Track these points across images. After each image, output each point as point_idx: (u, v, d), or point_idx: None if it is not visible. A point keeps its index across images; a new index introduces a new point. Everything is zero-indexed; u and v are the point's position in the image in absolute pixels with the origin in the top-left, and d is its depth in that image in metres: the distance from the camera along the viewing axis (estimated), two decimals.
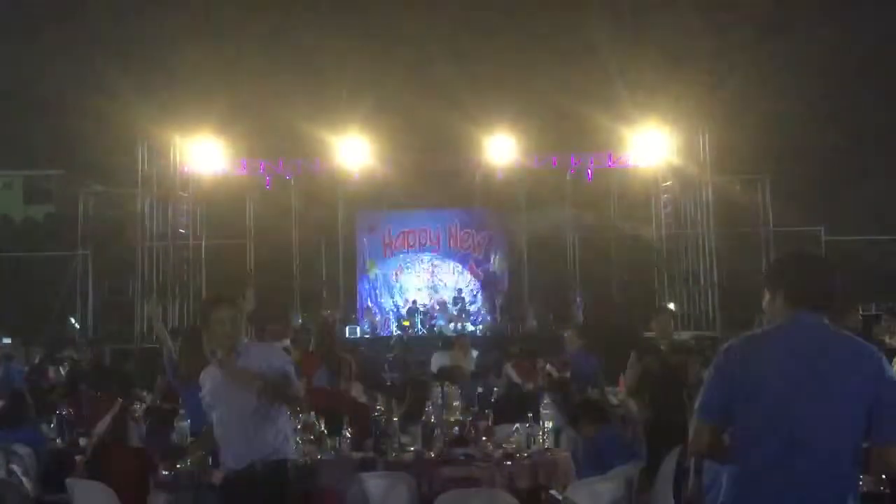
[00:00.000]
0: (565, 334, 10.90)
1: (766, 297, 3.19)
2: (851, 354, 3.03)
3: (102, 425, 6.27)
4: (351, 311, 20.04)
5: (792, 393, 2.91)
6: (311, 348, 8.60)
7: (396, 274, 20.68)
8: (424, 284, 20.59)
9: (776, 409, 2.91)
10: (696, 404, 3.07)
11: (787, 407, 2.90)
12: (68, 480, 5.39)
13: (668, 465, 5.49)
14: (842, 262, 19.72)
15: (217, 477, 4.89)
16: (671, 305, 18.82)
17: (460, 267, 20.66)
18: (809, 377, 2.93)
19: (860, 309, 7.74)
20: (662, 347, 7.52)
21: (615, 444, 5.83)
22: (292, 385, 4.52)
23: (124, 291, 18.54)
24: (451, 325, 18.94)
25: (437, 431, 5.93)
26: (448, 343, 12.98)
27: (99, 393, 8.60)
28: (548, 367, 9.49)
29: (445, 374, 8.29)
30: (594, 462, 5.59)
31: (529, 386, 9.14)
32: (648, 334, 9.13)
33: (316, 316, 17.65)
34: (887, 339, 7.66)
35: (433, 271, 20.68)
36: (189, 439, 5.67)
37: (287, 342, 7.60)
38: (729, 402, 2.97)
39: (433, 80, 24.42)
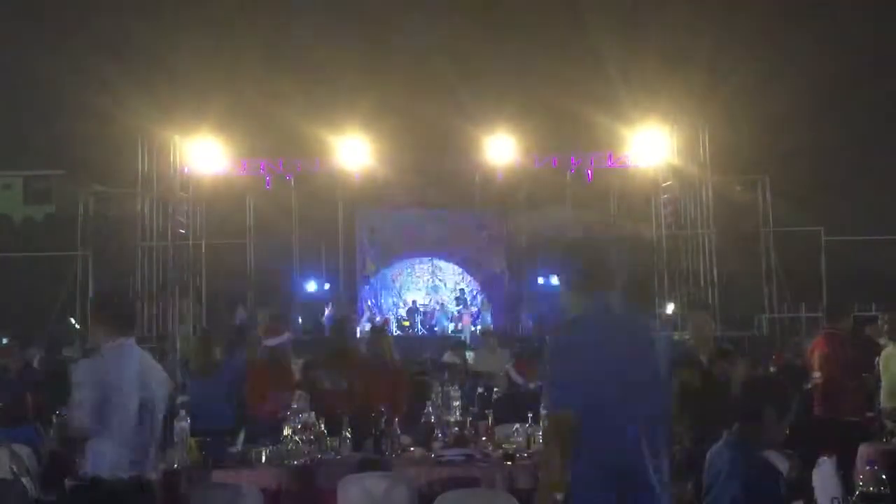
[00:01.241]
0: None
1: (562, 289, 3.34)
2: (646, 333, 3.34)
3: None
4: (351, 312, 20.05)
5: (613, 375, 3.11)
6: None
7: (396, 274, 20.69)
8: (424, 285, 20.60)
9: (605, 391, 3.09)
10: (553, 396, 3.16)
11: (611, 387, 3.09)
12: (68, 481, 5.38)
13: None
14: (841, 262, 19.79)
15: (219, 477, 4.90)
16: (671, 306, 18.84)
17: (460, 267, 20.68)
18: (624, 359, 3.16)
19: (854, 310, 7.69)
20: (702, 356, 5.90)
21: None
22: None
23: (124, 291, 18.53)
24: (452, 325, 18.95)
25: (437, 431, 5.93)
26: (460, 343, 13.10)
27: None
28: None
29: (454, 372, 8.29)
30: None
31: (530, 386, 9.13)
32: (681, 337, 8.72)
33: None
34: (881, 342, 7.63)
35: (433, 272, 20.69)
36: (189, 439, 5.67)
37: (286, 337, 7.61)
38: (580, 386, 3.09)
39: (433, 80, 24.42)
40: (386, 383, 6.58)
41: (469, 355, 11.64)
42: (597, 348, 3.15)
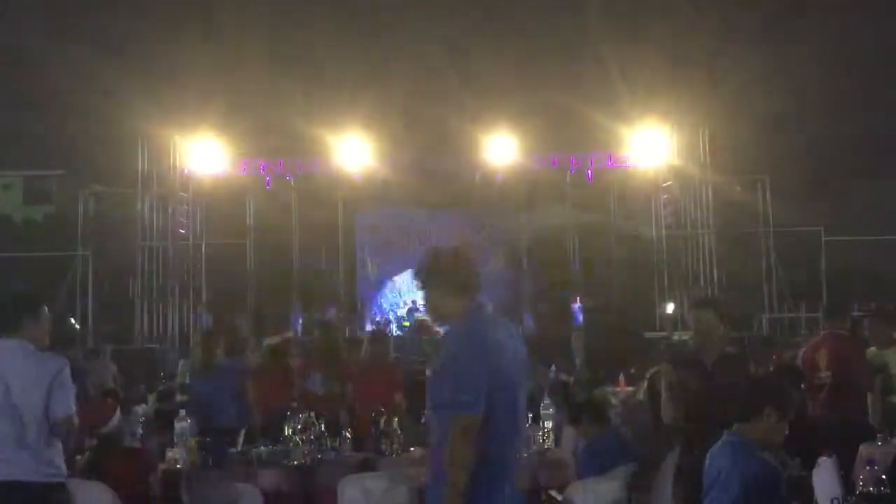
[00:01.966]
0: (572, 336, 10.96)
1: (436, 295, 3.47)
2: (512, 330, 3.55)
3: (108, 426, 6.28)
4: (351, 312, 20.03)
5: (504, 373, 3.30)
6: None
7: (396, 274, 20.68)
8: None
9: (504, 394, 3.28)
10: (460, 398, 3.23)
11: (507, 391, 3.29)
12: (68, 481, 5.38)
13: (668, 465, 5.48)
14: (841, 262, 19.80)
15: (219, 477, 4.90)
16: (671, 306, 18.85)
17: None
18: (510, 360, 3.33)
19: (853, 310, 7.62)
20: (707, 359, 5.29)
21: (615, 444, 5.83)
22: None
23: (124, 291, 18.55)
24: None
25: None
26: None
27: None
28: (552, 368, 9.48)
29: None
30: (594, 462, 5.58)
31: (530, 385, 9.12)
32: (682, 336, 8.70)
33: (311, 317, 17.69)
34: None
35: None
36: (191, 439, 5.68)
37: (289, 335, 7.66)
38: (487, 390, 3.22)
39: (433, 80, 24.41)
40: (385, 384, 6.59)
41: None
42: (491, 349, 3.32)
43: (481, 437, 3.20)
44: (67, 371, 4.47)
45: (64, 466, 4.48)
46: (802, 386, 7.17)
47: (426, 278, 3.51)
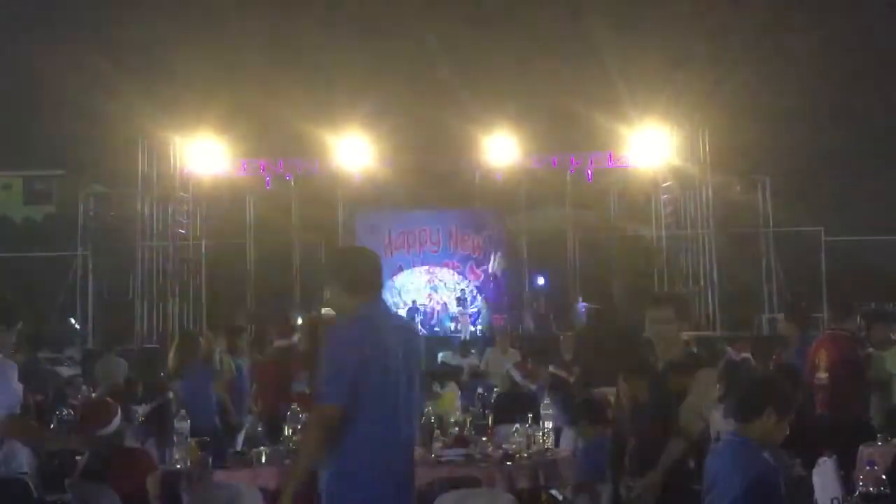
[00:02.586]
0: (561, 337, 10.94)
1: (334, 292, 3.59)
2: (410, 333, 3.74)
3: (110, 426, 6.25)
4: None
5: (388, 371, 3.41)
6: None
7: (396, 274, 20.68)
8: (424, 285, 20.60)
9: (380, 387, 3.38)
10: (324, 390, 3.43)
11: (385, 384, 3.39)
12: (68, 481, 5.38)
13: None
14: (841, 262, 19.80)
15: (219, 477, 4.90)
16: None
17: (460, 267, 20.68)
18: (396, 357, 3.45)
19: (858, 310, 7.59)
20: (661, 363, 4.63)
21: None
22: None
23: (124, 291, 18.55)
24: (453, 326, 18.95)
25: (437, 431, 5.93)
26: (464, 343, 13.15)
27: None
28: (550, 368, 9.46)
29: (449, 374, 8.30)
30: (595, 462, 5.57)
31: (532, 386, 9.13)
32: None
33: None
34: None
35: (433, 272, 20.69)
36: (189, 439, 5.67)
37: (295, 339, 7.63)
38: (354, 383, 3.36)
39: (433, 80, 24.41)
40: None
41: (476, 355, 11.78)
42: (369, 347, 3.43)
43: (350, 428, 3.36)
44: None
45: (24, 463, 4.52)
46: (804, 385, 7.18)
47: (326, 275, 3.66)
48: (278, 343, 7.32)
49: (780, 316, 8.10)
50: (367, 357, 3.40)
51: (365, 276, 3.60)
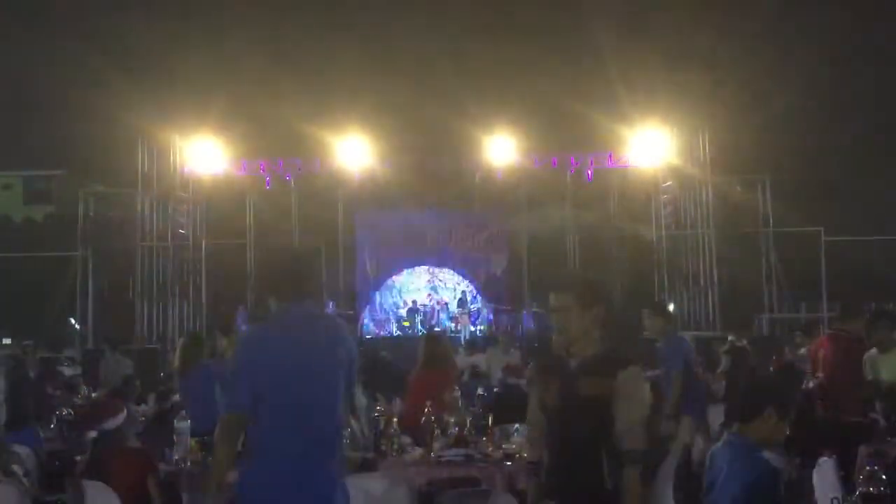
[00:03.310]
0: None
1: (262, 295, 3.64)
2: (335, 331, 3.65)
3: (116, 420, 6.26)
4: (349, 309, 20.04)
5: (299, 374, 3.44)
6: None
7: (396, 274, 20.68)
8: (424, 285, 20.60)
9: (291, 390, 3.42)
10: (226, 399, 3.50)
11: (297, 385, 3.43)
12: (68, 480, 5.39)
13: (668, 465, 5.48)
14: (841, 262, 19.79)
15: (232, 477, 4.87)
16: (671, 306, 18.82)
17: (460, 267, 20.68)
18: (309, 359, 3.48)
19: (866, 311, 7.54)
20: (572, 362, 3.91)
21: None
22: None
23: (124, 291, 18.55)
24: (453, 326, 18.95)
25: (437, 431, 5.92)
26: (471, 342, 13.14)
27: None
28: None
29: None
30: None
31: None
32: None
33: None
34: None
35: (433, 271, 20.70)
36: (190, 439, 5.67)
37: None
38: (257, 390, 3.40)
39: (433, 80, 24.42)
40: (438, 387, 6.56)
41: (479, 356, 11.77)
42: (273, 352, 3.47)
43: (257, 432, 3.44)
44: None
45: None
46: (812, 384, 7.19)
47: (255, 278, 3.87)
48: None
49: (646, 311, 8.04)
50: (270, 362, 3.43)
51: (281, 278, 3.60)
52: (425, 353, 7.17)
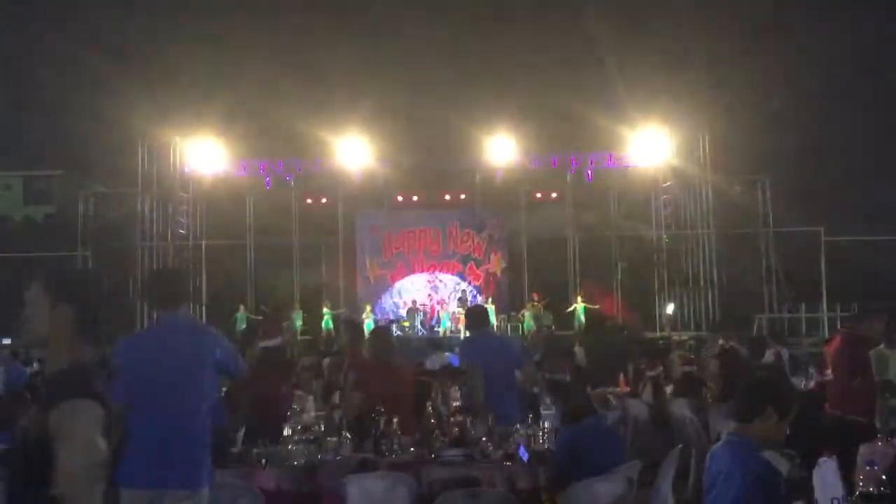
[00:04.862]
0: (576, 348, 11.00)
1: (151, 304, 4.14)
2: (199, 334, 4.24)
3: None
4: (351, 312, 20.03)
5: (162, 371, 4.01)
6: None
7: (396, 274, 20.69)
8: (424, 285, 20.60)
9: (155, 384, 3.98)
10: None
11: (161, 380, 3.99)
12: None
13: (669, 465, 5.48)
14: (841, 262, 19.78)
15: (219, 477, 4.88)
16: (671, 306, 18.84)
17: (460, 267, 20.68)
18: (173, 358, 4.03)
19: (884, 316, 7.53)
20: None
21: (605, 433, 5.77)
22: None
23: (124, 291, 18.55)
24: (452, 326, 18.95)
25: (437, 431, 5.92)
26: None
27: None
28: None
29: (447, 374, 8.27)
30: (582, 452, 5.53)
31: (535, 389, 9.12)
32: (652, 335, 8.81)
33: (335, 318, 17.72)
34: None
35: (433, 271, 20.70)
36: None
37: (279, 341, 7.62)
38: (128, 386, 3.82)
39: (433, 80, 24.43)
40: (388, 384, 6.57)
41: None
42: (148, 353, 4.08)
43: (132, 419, 3.76)
44: None
45: None
46: (812, 384, 7.20)
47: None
48: (264, 343, 7.30)
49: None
50: (139, 361, 4.01)
51: (155, 293, 4.26)
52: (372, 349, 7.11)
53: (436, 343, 14.18)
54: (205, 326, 4.52)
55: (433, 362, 10.89)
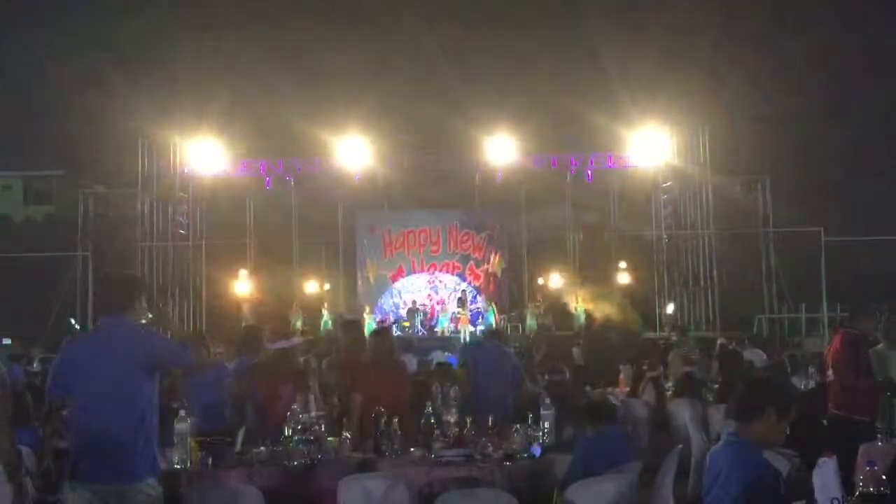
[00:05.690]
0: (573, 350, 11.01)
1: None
2: (135, 337, 4.49)
3: None
4: (351, 312, 20.01)
5: (98, 370, 4.33)
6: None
7: (396, 274, 20.68)
8: (424, 285, 20.60)
9: (90, 382, 4.32)
10: (48, 386, 4.61)
11: (96, 378, 4.31)
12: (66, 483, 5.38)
13: (669, 465, 5.48)
14: (841, 262, 19.79)
15: (219, 477, 4.88)
16: (671, 306, 18.83)
17: (460, 267, 20.67)
18: (107, 359, 4.35)
19: (877, 313, 7.53)
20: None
21: (623, 443, 5.80)
22: None
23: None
24: (452, 326, 18.94)
25: (437, 431, 5.92)
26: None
27: None
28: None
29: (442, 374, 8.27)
30: (598, 462, 5.56)
31: (536, 389, 9.12)
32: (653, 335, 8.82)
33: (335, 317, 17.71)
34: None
35: (433, 272, 20.69)
36: (190, 440, 5.66)
37: (295, 341, 7.57)
38: (67, 383, 4.41)
39: (433, 80, 24.44)
40: (388, 384, 6.56)
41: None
42: (85, 354, 4.46)
43: (72, 413, 4.45)
44: None
45: None
46: (812, 384, 7.19)
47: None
48: (276, 344, 7.28)
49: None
50: (76, 361, 4.41)
51: (99, 298, 4.83)
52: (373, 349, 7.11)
53: (437, 342, 14.21)
54: (144, 331, 4.72)
55: (437, 356, 10.93)
